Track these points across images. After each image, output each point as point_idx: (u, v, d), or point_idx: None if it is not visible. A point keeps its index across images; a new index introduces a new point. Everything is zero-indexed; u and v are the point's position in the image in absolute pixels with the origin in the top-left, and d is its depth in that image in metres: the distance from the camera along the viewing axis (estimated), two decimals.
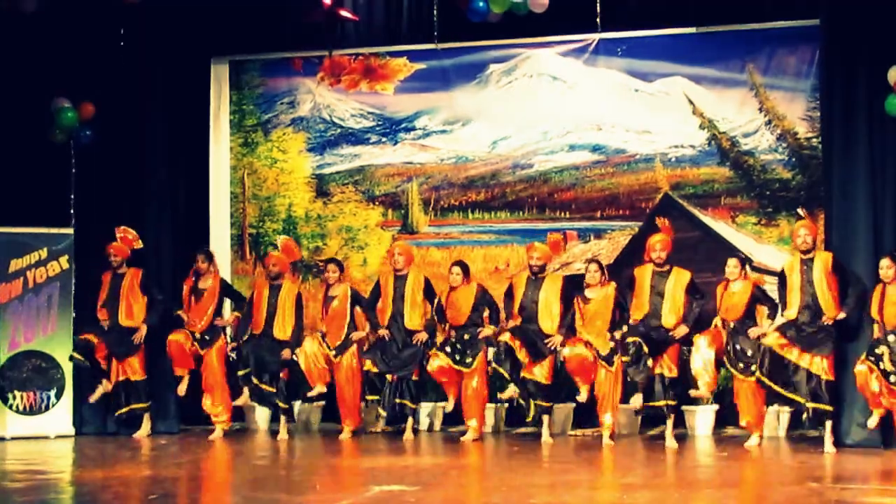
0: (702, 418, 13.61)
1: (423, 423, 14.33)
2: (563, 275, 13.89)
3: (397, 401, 13.46)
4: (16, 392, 13.97)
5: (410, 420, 13.62)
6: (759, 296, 12.77)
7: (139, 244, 14.09)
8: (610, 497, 9.94)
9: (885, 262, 12.11)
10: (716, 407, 13.56)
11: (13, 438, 13.66)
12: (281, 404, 13.74)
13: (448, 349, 13.41)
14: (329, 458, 12.55)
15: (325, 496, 10.16)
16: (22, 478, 11.04)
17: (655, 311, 12.78)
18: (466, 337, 13.34)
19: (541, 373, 13.08)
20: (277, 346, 13.67)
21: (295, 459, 12.68)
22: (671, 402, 12.76)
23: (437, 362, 13.36)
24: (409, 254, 13.94)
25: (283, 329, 13.76)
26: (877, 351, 11.94)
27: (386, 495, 9.75)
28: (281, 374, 13.69)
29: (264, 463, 12.28)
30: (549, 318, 13.20)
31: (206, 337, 13.91)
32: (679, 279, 12.86)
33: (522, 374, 13.04)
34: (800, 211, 12.88)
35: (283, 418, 13.82)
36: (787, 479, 10.59)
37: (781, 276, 12.68)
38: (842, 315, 12.26)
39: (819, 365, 12.15)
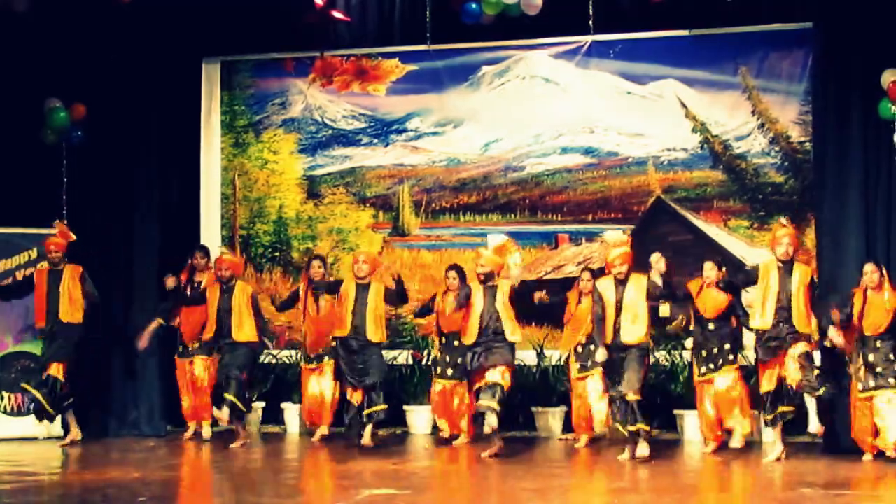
0: (693, 423, 13.58)
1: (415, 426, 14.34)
2: (511, 283, 12.57)
3: (366, 411, 12.89)
4: (4, 393, 13.91)
5: (370, 427, 12.95)
6: (735, 304, 12.66)
7: (73, 237, 13.63)
8: (601, 501, 9.92)
9: (869, 268, 11.99)
10: None
11: (1, 440, 13.60)
12: (239, 405, 13.19)
13: (449, 371, 13.33)
14: (319, 461, 12.51)
15: (316, 500, 10.13)
16: (10, 479, 11.00)
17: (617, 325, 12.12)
18: (456, 344, 13.25)
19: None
20: (240, 348, 13.22)
21: (284, 462, 12.64)
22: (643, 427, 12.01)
23: (438, 388, 13.38)
24: (375, 263, 13.35)
25: (241, 330, 13.23)
26: (859, 374, 12.00)
27: (376, 499, 9.72)
28: (242, 377, 13.17)
29: (253, 466, 12.24)
30: (510, 321, 12.47)
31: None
32: (638, 286, 12.17)
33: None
34: (782, 220, 12.36)
35: (239, 427, 13.33)
36: (780, 484, 10.58)
37: (754, 274, 12.16)
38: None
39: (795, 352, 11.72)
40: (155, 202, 14.73)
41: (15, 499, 9.90)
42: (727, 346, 12.61)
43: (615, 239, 12.39)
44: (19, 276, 14.00)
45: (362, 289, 13.02)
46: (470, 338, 12.45)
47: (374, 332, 12.98)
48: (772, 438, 12.06)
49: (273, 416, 14.87)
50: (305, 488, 10.66)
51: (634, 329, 12.03)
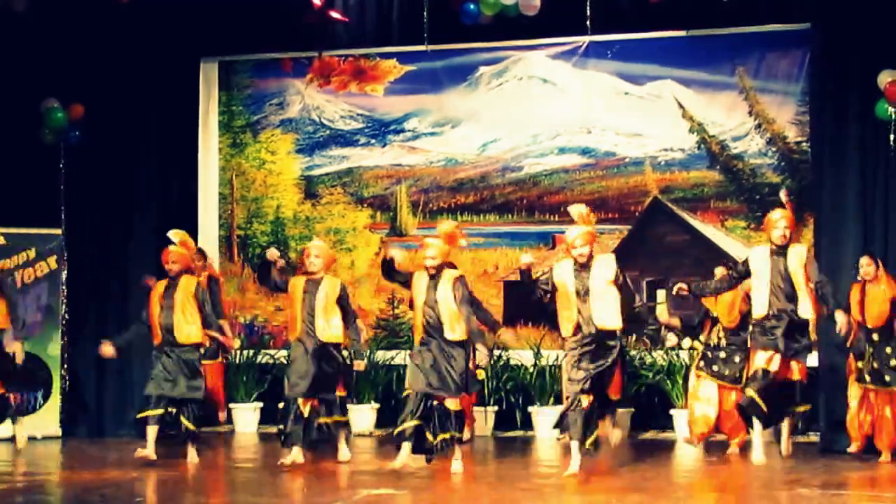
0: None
1: None
2: (458, 274, 11.18)
3: (322, 420, 11.52)
4: None
5: (343, 434, 11.83)
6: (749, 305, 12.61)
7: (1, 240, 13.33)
8: (598, 500, 9.92)
9: (864, 261, 11.93)
10: None
11: (0, 440, 13.59)
12: (189, 425, 11.77)
13: None
14: (316, 461, 12.50)
15: (314, 499, 10.13)
16: (9, 479, 10.99)
17: (585, 316, 10.67)
18: None
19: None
20: (186, 351, 11.72)
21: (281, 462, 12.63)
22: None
23: None
24: (329, 257, 11.84)
25: (183, 331, 11.70)
26: (859, 365, 12.00)
27: (374, 499, 9.73)
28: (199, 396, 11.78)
29: (251, 465, 12.25)
30: (455, 321, 10.83)
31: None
32: (606, 268, 10.71)
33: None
34: (782, 196, 11.39)
35: (190, 447, 11.86)
36: (777, 484, 10.58)
37: (745, 266, 11.38)
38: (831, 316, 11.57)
39: (796, 369, 11.37)
40: (152, 202, 14.74)
41: (13, 498, 9.89)
42: (738, 358, 12.49)
43: (578, 213, 10.80)
44: (18, 276, 14.00)
45: (313, 285, 11.49)
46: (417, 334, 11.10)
47: (325, 332, 11.46)
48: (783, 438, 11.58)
49: (271, 416, 14.84)
50: (303, 488, 10.66)
51: (607, 316, 10.57)
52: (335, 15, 14.46)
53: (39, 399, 14.03)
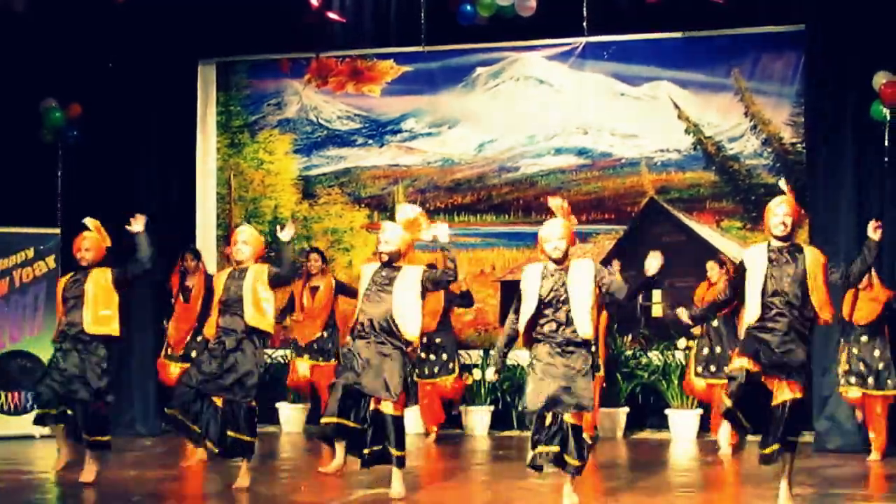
0: (685, 423, 13.65)
1: None
2: (423, 267, 10.25)
3: (230, 433, 10.23)
4: (1, 392, 13.96)
5: (245, 463, 10.38)
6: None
7: None
8: (595, 501, 9.96)
9: None
10: (699, 412, 13.57)
11: (0, 439, 13.64)
12: (84, 436, 10.78)
13: (425, 369, 13.37)
14: (313, 460, 12.54)
15: (310, 499, 10.17)
16: (7, 478, 11.03)
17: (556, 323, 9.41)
18: (438, 340, 13.27)
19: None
20: (92, 348, 10.74)
21: (279, 462, 12.67)
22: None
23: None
24: (259, 245, 10.47)
25: (96, 322, 10.70)
26: (850, 364, 12.04)
27: (370, 499, 9.77)
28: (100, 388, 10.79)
29: (249, 465, 12.25)
30: (411, 317, 9.81)
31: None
32: (583, 275, 9.51)
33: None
34: (781, 184, 9.52)
35: (88, 459, 10.77)
36: (769, 483, 10.61)
37: (741, 269, 9.47)
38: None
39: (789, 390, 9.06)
40: (150, 202, 14.70)
41: (11, 497, 9.94)
42: (726, 348, 12.56)
43: (559, 206, 9.71)
44: (16, 275, 14.05)
45: (238, 274, 10.27)
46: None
47: (255, 318, 10.13)
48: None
49: (268, 416, 14.88)
50: (300, 488, 10.69)
51: (581, 326, 9.29)
52: (332, 16, 14.49)
53: None
